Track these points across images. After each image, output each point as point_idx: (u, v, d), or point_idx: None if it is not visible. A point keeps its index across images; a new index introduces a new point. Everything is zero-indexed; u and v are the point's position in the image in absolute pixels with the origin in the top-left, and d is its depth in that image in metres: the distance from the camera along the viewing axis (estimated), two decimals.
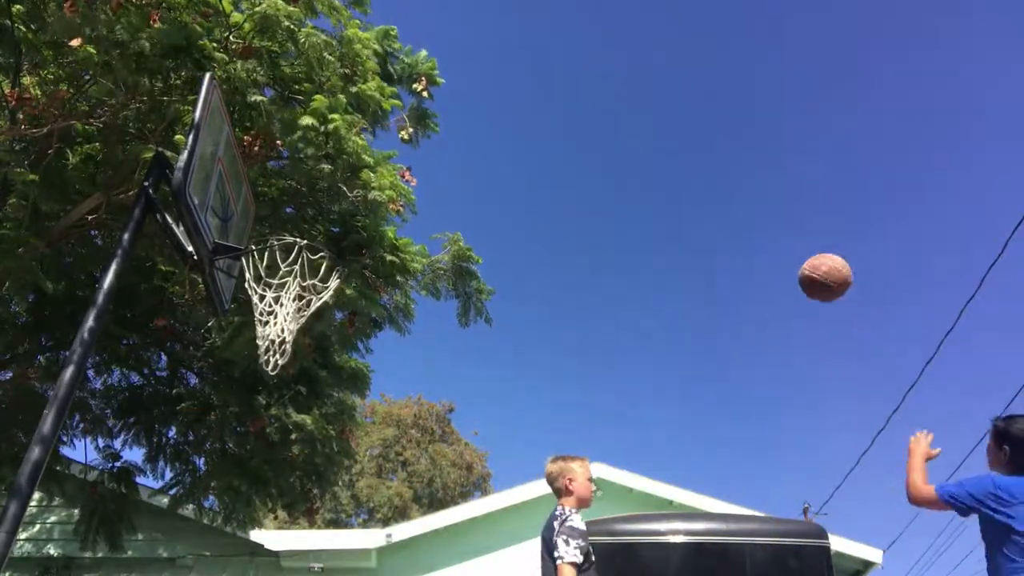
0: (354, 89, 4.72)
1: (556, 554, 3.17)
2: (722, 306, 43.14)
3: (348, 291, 4.91)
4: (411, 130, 5.59)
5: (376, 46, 5.06)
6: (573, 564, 3.12)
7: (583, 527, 3.25)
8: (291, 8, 4.24)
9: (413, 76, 5.68)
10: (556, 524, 3.28)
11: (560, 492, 3.47)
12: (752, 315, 41.97)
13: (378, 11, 5.73)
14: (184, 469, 6.77)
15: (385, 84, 5.06)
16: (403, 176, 5.11)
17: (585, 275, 44.82)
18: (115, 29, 3.97)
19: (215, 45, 4.20)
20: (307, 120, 4.35)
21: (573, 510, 3.35)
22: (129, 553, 8.10)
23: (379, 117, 5.12)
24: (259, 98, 4.43)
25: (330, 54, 4.56)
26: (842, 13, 33.43)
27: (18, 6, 4.25)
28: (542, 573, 3.38)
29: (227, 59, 4.22)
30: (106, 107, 4.66)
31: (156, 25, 4.11)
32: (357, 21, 5.09)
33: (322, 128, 4.40)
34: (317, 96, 4.42)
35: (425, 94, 5.67)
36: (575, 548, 3.15)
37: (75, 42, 4.01)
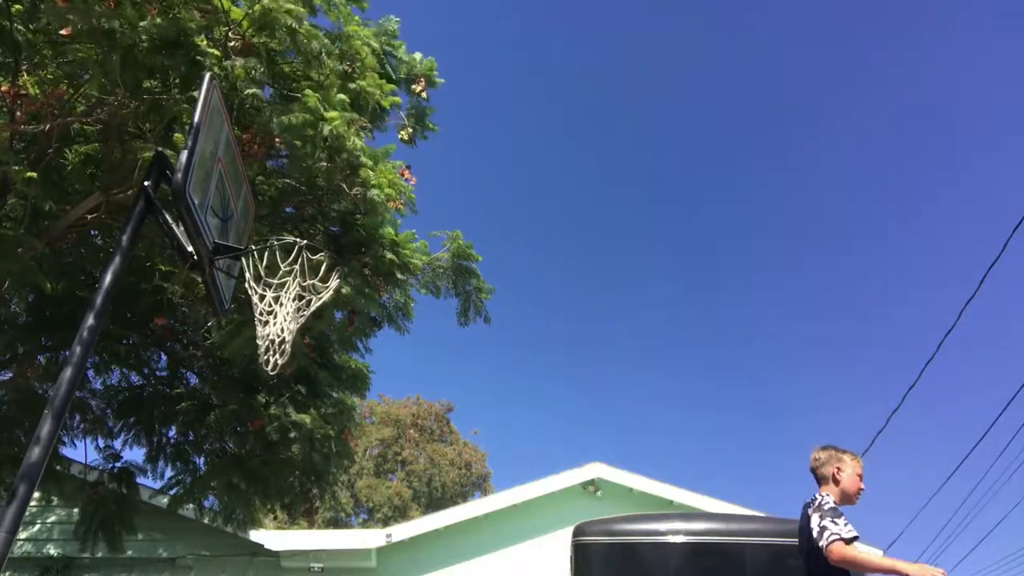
0: (353, 85, 4.70)
1: (824, 537, 3.01)
2: (723, 306, 43.15)
3: (347, 290, 4.90)
4: (410, 130, 5.59)
5: (375, 43, 5.04)
6: (847, 540, 2.97)
7: (840, 509, 3.14)
8: (291, 5, 4.22)
9: (411, 78, 5.68)
10: (812, 512, 3.17)
11: (823, 479, 3.33)
12: (753, 315, 41.97)
13: (375, 9, 5.71)
14: (184, 469, 6.76)
15: (384, 81, 5.04)
16: (402, 175, 5.11)
17: (586, 275, 44.82)
18: (107, 20, 3.93)
19: (208, 41, 4.17)
20: (300, 117, 4.33)
21: (831, 498, 3.22)
22: (129, 553, 8.10)
23: (378, 115, 5.11)
24: (254, 91, 4.40)
25: (328, 53, 4.55)
26: (842, 13, 33.44)
27: (17, 6, 4.24)
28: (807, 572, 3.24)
29: (221, 56, 4.19)
30: (104, 106, 4.65)
31: (153, 19, 4.09)
32: (356, 17, 5.08)
33: (320, 128, 4.39)
34: (308, 92, 4.40)
35: (423, 95, 5.68)
36: (844, 524, 3.02)
37: (65, 31, 3.98)
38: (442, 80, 5.78)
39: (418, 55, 5.68)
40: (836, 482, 3.29)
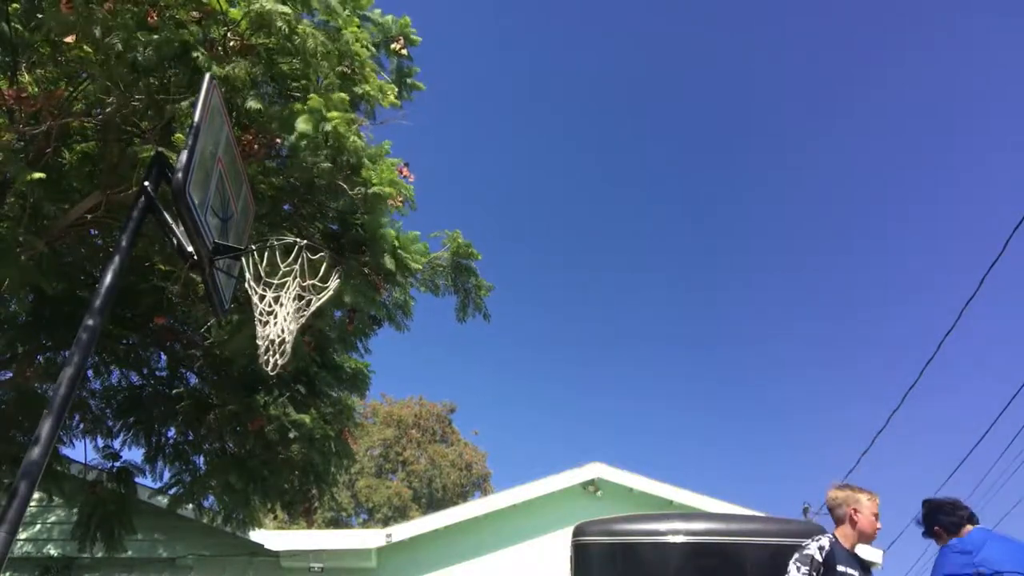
0: (358, 91, 4.69)
1: None
2: (723, 306, 43.14)
3: (347, 290, 4.90)
4: (395, 88, 5.52)
5: (354, 26, 4.97)
6: None
7: (820, 557, 3.19)
8: (285, 8, 4.21)
9: (389, 39, 5.57)
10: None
11: (840, 520, 3.35)
12: (753, 315, 41.96)
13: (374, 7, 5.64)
14: (184, 469, 6.74)
15: (384, 82, 5.02)
16: (401, 172, 5.09)
17: (586, 275, 44.80)
18: (110, 35, 3.92)
19: (209, 53, 4.15)
20: (304, 126, 4.32)
21: (831, 540, 3.26)
22: (129, 553, 8.09)
23: (374, 110, 5.09)
24: (258, 105, 4.40)
25: (328, 53, 4.54)
26: (842, 13, 33.41)
27: (15, 4, 4.23)
28: None
29: (222, 69, 4.18)
30: (103, 105, 4.64)
31: (153, 23, 4.08)
32: (356, 19, 5.06)
33: (321, 128, 4.38)
34: (312, 96, 4.39)
35: (404, 52, 5.56)
36: (802, 574, 3.14)
37: (69, 39, 3.97)
38: (418, 34, 5.63)
39: (389, 17, 5.57)
40: (853, 523, 3.30)
